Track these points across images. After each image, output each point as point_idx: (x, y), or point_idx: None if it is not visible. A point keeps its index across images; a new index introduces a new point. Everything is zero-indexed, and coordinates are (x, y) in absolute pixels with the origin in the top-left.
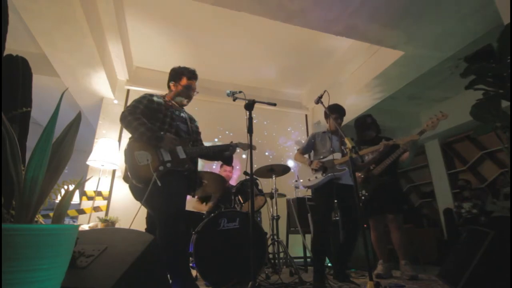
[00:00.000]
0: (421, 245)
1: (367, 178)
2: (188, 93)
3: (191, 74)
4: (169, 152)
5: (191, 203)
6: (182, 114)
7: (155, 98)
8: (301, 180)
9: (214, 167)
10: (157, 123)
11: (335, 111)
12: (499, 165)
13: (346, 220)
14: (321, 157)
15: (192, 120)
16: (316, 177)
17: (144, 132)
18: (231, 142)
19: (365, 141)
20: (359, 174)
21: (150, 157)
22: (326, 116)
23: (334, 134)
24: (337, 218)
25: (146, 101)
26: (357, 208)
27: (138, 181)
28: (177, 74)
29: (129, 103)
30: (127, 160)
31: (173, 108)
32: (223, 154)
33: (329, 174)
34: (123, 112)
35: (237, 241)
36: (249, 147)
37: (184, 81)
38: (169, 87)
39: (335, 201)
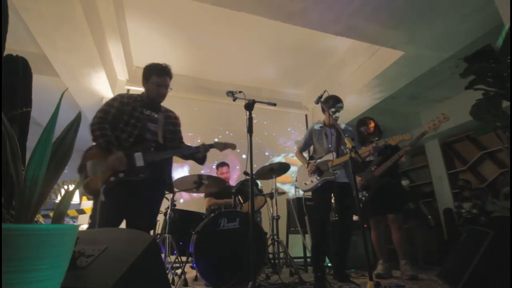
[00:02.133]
0: (421, 245)
1: (368, 179)
2: (158, 90)
3: (161, 71)
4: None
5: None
6: (153, 114)
7: (125, 99)
8: (296, 181)
9: (214, 167)
10: (120, 125)
11: (332, 105)
12: (499, 165)
13: (342, 219)
14: (318, 157)
15: (169, 118)
16: (311, 181)
17: (100, 143)
18: (203, 143)
19: (366, 143)
20: (359, 178)
21: (104, 165)
22: (323, 109)
23: (332, 127)
24: (336, 218)
25: (117, 103)
26: (353, 207)
27: (87, 191)
28: (147, 72)
29: None
30: (80, 169)
31: (144, 108)
32: (194, 155)
33: (323, 178)
34: (92, 119)
35: (237, 241)
36: (249, 147)
37: (154, 78)
38: (142, 85)
39: (333, 201)
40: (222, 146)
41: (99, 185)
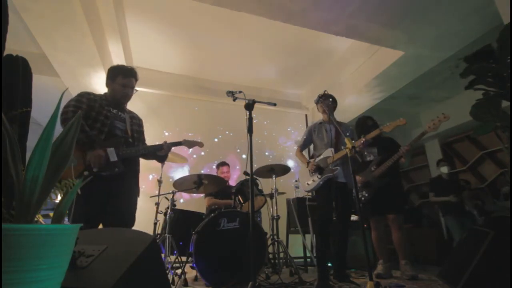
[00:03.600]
0: (421, 245)
1: (367, 179)
2: (124, 91)
3: (127, 72)
4: None
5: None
6: (120, 113)
7: (92, 96)
8: (297, 181)
9: (213, 167)
10: (89, 121)
11: (324, 99)
12: (499, 165)
13: (340, 220)
14: (318, 153)
15: (134, 119)
16: (313, 180)
17: (81, 138)
18: (165, 141)
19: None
20: (360, 178)
21: (75, 160)
22: (319, 108)
23: (330, 123)
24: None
25: (85, 99)
26: (351, 207)
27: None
28: (113, 73)
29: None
30: None
31: (110, 107)
32: (156, 153)
33: (324, 176)
34: (63, 114)
35: (237, 241)
36: (249, 147)
37: (119, 79)
38: (107, 85)
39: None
40: (190, 144)
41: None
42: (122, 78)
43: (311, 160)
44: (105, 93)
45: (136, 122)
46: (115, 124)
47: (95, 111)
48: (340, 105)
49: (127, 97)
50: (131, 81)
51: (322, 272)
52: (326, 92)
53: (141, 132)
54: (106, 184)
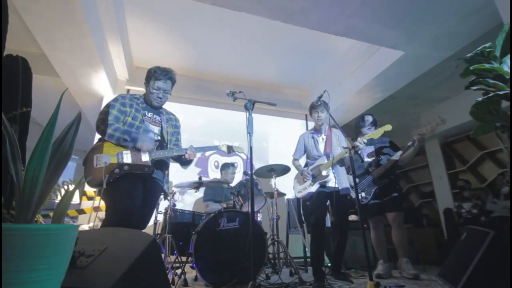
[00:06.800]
0: (421, 245)
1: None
2: (158, 94)
3: (163, 75)
4: (131, 156)
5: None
6: (155, 116)
7: (127, 100)
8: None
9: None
10: (125, 126)
11: (316, 106)
12: (499, 165)
13: (337, 222)
14: (311, 162)
15: (171, 120)
16: (305, 188)
17: (119, 137)
18: (191, 146)
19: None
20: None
21: (110, 159)
22: (311, 113)
23: (319, 131)
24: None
25: (118, 104)
26: (345, 210)
27: (92, 183)
28: (148, 75)
29: None
30: (85, 162)
31: (146, 110)
32: (180, 157)
33: (316, 182)
34: (96, 121)
35: (237, 241)
36: (249, 147)
37: (152, 82)
38: (145, 87)
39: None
40: (230, 149)
41: (103, 177)
42: (154, 80)
43: (305, 169)
44: (144, 94)
45: (172, 124)
46: (149, 128)
47: (131, 116)
48: (340, 105)
49: (159, 100)
50: (164, 83)
51: (319, 273)
52: (327, 94)
53: (176, 133)
54: (143, 182)
